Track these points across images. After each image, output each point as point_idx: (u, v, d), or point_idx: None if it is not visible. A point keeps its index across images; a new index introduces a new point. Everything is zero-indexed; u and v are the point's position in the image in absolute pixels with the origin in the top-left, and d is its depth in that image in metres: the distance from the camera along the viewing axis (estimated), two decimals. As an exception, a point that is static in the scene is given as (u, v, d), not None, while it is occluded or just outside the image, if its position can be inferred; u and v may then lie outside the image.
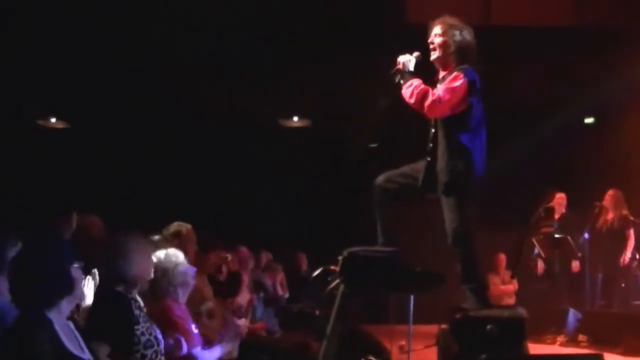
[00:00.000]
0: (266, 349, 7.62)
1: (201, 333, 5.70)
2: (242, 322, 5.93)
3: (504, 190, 12.31)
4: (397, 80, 5.79)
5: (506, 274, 12.87)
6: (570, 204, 12.10)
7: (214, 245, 7.89)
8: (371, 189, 5.98)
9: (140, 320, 4.66)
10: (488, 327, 5.30)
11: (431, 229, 6.66)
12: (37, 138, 14.63)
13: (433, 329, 6.24)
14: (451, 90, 5.54)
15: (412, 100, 5.63)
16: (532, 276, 12.61)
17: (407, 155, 6.06)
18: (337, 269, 5.61)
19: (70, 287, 3.84)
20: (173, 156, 14.19)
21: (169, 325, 5.25)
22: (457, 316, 5.58)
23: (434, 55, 5.83)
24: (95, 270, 5.07)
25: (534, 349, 7.19)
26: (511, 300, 12.64)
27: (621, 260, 11.27)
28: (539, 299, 11.98)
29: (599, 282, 11.79)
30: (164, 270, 5.39)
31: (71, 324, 3.95)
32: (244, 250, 10.06)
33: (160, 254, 5.37)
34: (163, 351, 4.81)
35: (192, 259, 6.48)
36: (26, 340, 3.60)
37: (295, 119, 15.40)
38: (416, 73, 5.77)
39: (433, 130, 5.81)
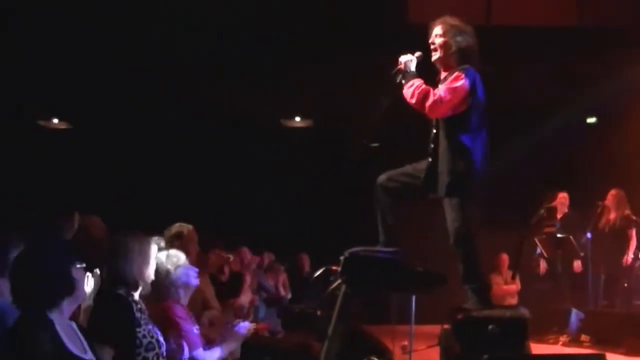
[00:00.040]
0: (268, 349, 7.62)
1: (202, 334, 5.70)
2: (247, 324, 5.89)
3: (506, 190, 12.29)
4: (398, 80, 5.79)
5: (509, 274, 12.86)
6: (572, 204, 12.10)
7: (213, 245, 7.88)
8: (373, 189, 5.98)
9: (142, 322, 4.66)
10: (490, 327, 5.30)
11: (433, 229, 6.67)
12: (39, 138, 14.63)
13: (435, 329, 6.23)
14: (452, 91, 5.53)
15: (413, 101, 5.62)
16: (534, 276, 12.61)
17: (409, 155, 6.06)
18: (339, 269, 5.59)
19: (71, 287, 3.85)
20: (174, 156, 14.20)
21: (170, 327, 5.25)
22: (459, 316, 5.58)
23: (435, 56, 5.82)
24: (97, 270, 5.06)
25: (537, 348, 7.18)
26: (514, 300, 12.64)
27: (624, 260, 11.27)
28: (542, 299, 11.98)
29: (602, 282, 11.79)
30: (165, 272, 5.38)
31: (74, 324, 3.96)
32: (245, 250, 10.07)
33: (161, 255, 5.36)
34: (165, 354, 4.80)
35: (194, 260, 6.48)
36: (27, 340, 3.61)
37: (298, 119, 15.39)
38: (417, 73, 5.77)
39: (434, 131, 5.81)
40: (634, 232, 11.34)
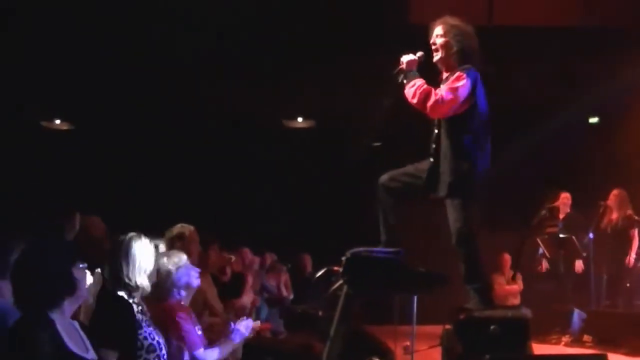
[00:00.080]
0: (270, 350, 7.62)
1: (205, 334, 5.70)
2: (250, 323, 5.87)
3: (508, 191, 12.29)
4: (400, 80, 5.78)
5: (511, 274, 12.84)
6: (574, 204, 12.09)
7: (212, 243, 7.88)
8: (374, 189, 5.97)
9: (143, 324, 4.67)
10: (492, 327, 5.29)
11: (435, 229, 6.66)
12: (41, 139, 14.64)
13: (437, 329, 6.21)
14: (454, 91, 5.52)
15: (414, 101, 5.61)
16: (537, 276, 12.61)
17: (411, 155, 6.05)
18: (340, 269, 5.59)
19: (72, 287, 3.86)
20: (175, 157, 14.19)
21: (172, 327, 5.25)
22: (461, 316, 5.57)
23: (436, 57, 5.81)
24: (99, 270, 5.06)
25: (539, 349, 7.17)
26: (516, 301, 12.63)
27: (627, 260, 11.26)
28: (544, 299, 11.98)
29: (604, 282, 11.78)
30: (167, 272, 5.38)
31: (76, 324, 3.98)
32: (246, 251, 10.07)
33: (163, 256, 5.36)
34: (166, 356, 4.80)
35: (196, 260, 6.48)
36: (27, 340, 3.61)
37: (300, 119, 15.39)
38: (419, 73, 5.76)
39: (436, 131, 5.80)
40: (636, 232, 11.33)
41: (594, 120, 14.46)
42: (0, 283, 4.65)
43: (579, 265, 11.71)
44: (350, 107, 12.64)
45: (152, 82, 12.21)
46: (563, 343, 10.67)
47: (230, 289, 8.36)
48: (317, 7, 10.81)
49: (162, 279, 5.28)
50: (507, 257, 12.85)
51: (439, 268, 5.80)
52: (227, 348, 5.63)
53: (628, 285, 11.43)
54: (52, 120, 15.32)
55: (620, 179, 11.97)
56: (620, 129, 12.94)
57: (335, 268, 5.84)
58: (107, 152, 13.97)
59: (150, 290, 4.87)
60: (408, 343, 6.95)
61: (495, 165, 5.95)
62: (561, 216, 12.04)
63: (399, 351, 7.60)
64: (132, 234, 4.77)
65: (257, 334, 7.71)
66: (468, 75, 5.55)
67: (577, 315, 10.97)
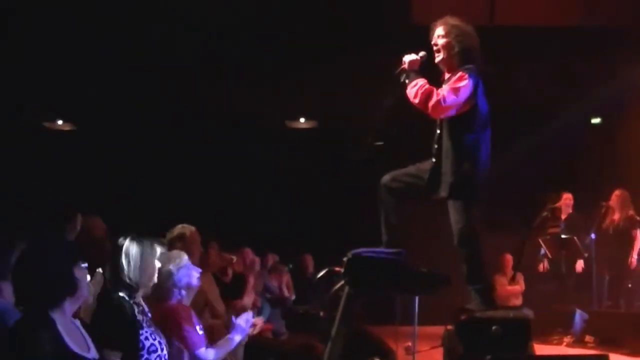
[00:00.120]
0: (272, 350, 7.63)
1: (207, 333, 5.69)
2: (250, 316, 5.84)
3: (510, 191, 12.29)
4: (402, 80, 5.77)
5: (512, 275, 12.84)
6: (576, 205, 12.09)
7: (212, 241, 7.88)
8: (376, 189, 5.97)
9: (144, 324, 4.67)
10: (493, 328, 5.28)
11: (437, 230, 6.65)
12: (43, 140, 14.65)
13: (439, 330, 6.21)
14: (456, 91, 5.50)
15: (416, 100, 5.60)
16: (538, 277, 12.61)
17: (413, 155, 6.05)
18: (342, 270, 5.58)
19: (73, 287, 3.87)
20: (177, 158, 14.19)
21: (173, 327, 5.24)
22: (463, 317, 5.56)
23: (438, 57, 5.80)
24: (100, 270, 5.06)
25: (541, 349, 7.16)
26: (518, 301, 12.62)
27: (629, 261, 11.25)
28: (546, 300, 11.97)
29: (606, 283, 11.78)
30: (168, 273, 5.37)
31: (78, 322, 4.00)
32: (248, 251, 10.06)
33: (164, 257, 5.35)
34: (167, 356, 4.80)
35: (197, 261, 6.48)
36: (27, 340, 3.62)
37: (302, 120, 15.39)
38: (421, 73, 5.75)
39: (438, 132, 5.79)
40: (638, 232, 11.34)
41: (596, 120, 14.45)
42: (1, 284, 4.65)
43: (579, 264, 11.72)
44: (352, 107, 12.64)
45: (152, 82, 12.21)
46: (565, 344, 10.67)
47: (231, 290, 8.36)
48: (317, 7, 10.80)
49: (163, 280, 5.27)
50: (509, 258, 12.83)
51: (440, 268, 5.79)
52: (229, 345, 5.59)
53: (630, 285, 11.43)
54: (54, 120, 15.33)
55: (622, 179, 11.96)
56: (621, 129, 12.93)
57: (337, 268, 5.83)
58: (107, 152, 13.98)
59: (150, 290, 4.87)
60: (410, 343, 6.96)
61: (497, 165, 5.95)
62: (563, 217, 12.05)
63: (400, 352, 7.61)
64: (132, 234, 4.77)
65: (259, 334, 7.73)
66: (470, 76, 5.54)
67: (579, 315, 10.96)
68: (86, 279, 4.05)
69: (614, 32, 11.02)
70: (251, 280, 8.88)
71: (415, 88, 5.61)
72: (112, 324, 4.52)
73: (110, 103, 13.22)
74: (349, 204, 13.41)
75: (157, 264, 4.85)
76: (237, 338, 5.64)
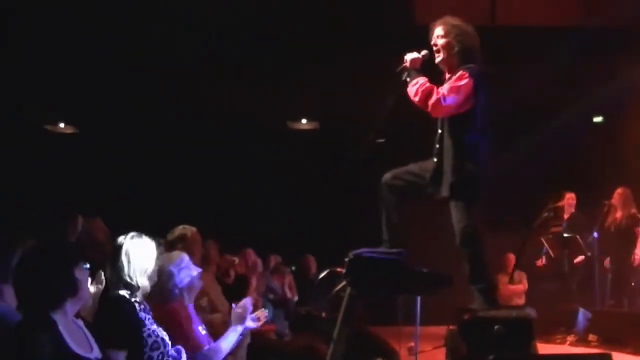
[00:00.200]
0: (274, 351, 7.61)
1: (210, 333, 5.68)
2: (249, 301, 5.79)
3: (512, 191, 12.29)
4: (404, 78, 5.77)
5: (516, 274, 12.83)
6: (579, 204, 12.09)
7: (211, 239, 7.88)
8: (378, 189, 5.96)
9: (146, 322, 4.68)
10: (496, 327, 5.27)
11: (439, 229, 6.64)
12: (44, 142, 14.65)
13: (442, 330, 6.21)
14: (456, 89, 5.50)
15: (416, 99, 5.60)
16: (541, 276, 12.60)
17: (414, 154, 6.05)
18: (343, 271, 5.58)
19: (74, 288, 3.88)
20: (178, 158, 14.19)
21: (175, 328, 5.24)
22: (465, 317, 5.55)
23: (438, 58, 5.79)
24: (102, 272, 5.07)
25: (544, 348, 7.16)
26: (521, 301, 12.62)
27: (632, 259, 11.24)
28: (549, 299, 11.96)
29: (609, 282, 11.76)
30: (169, 274, 5.37)
31: (81, 323, 4.02)
32: (250, 252, 10.06)
33: (165, 257, 5.35)
34: (169, 352, 4.81)
35: (198, 261, 6.48)
36: (27, 341, 3.64)
37: (304, 121, 15.40)
38: (422, 71, 5.75)
39: (440, 131, 5.78)
40: (640, 230, 11.34)
41: (598, 119, 14.44)
42: (2, 286, 4.65)
43: (579, 259, 11.72)
44: (354, 108, 12.64)
45: (152, 82, 12.21)
46: (568, 342, 10.67)
47: (233, 291, 8.35)
48: (319, 8, 10.81)
49: (164, 281, 5.27)
50: (512, 257, 12.82)
51: (442, 268, 5.79)
52: (231, 338, 5.55)
53: (633, 284, 11.41)
54: (56, 123, 15.34)
55: (624, 177, 11.96)
56: (623, 129, 12.93)
57: (339, 269, 5.82)
58: (107, 152, 13.99)
59: (150, 289, 4.87)
60: (412, 344, 6.95)
61: (500, 165, 5.96)
62: (566, 216, 12.05)
63: (403, 352, 7.61)
64: (132, 233, 4.78)
65: (262, 335, 7.73)
66: (470, 75, 5.53)
67: (582, 314, 10.95)
68: (87, 279, 4.06)
69: (615, 32, 11.02)
70: (253, 282, 8.88)
71: (415, 86, 5.61)
72: (114, 323, 4.53)
73: (110, 103, 13.23)
74: (350, 204, 13.41)
75: (157, 263, 4.86)
76: (238, 329, 5.60)
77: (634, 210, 11.37)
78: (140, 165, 13.96)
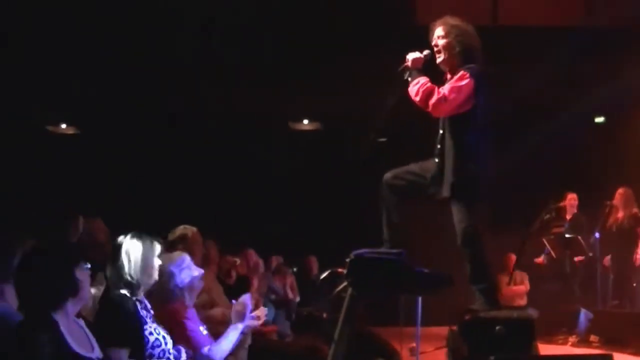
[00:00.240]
0: (276, 352, 7.60)
1: (211, 333, 5.68)
2: (248, 297, 5.77)
3: (514, 191, 12.28)
4: (405, 77, 5.77)
5: (518, 275, 12.83)
6: (580, 204, 12.07)
7: (210, 238, 7.88)
8: (379, 189, 5.96)
9: (147, 320, 4.70)
10: (497, 328, 5.27)
11: (440, 229, 6.64)
12: (45, 143, 14.66)
13: (443, 330, 6.21)
14: (457, 90, 5.50)
15: (417, 98, 5.60)
16: (543, 277, 12.60)
17: (415, 153, 6.04)
18: (344, 271, 5.57)
19: (75, 288, 3.90)
20: (180, 159, 14.19)
21: (176, 328, 5.24)
22: (467, 317, 5.55)
23: (439, 58, 5.79)
24: (102, 273, 5.08)
25: (546, 349, 7.16)
26: (522, 301, 12.61)
27: (634, 259, 11.23)
28: (551, 300, 11.95)
29: (611, 282, 11.76)
30: (170, 274, 5.38)
31: (82, 322, 4.04)
32: (251, 253, 10.05)
33: (166, 258, 5.35)
34: (171, 350, 4.82)
35: (199, 261, 6.48)
36: (27, 341, 3.66)
37: (306, 121, 15.40)
38: (424, 71, 5.74)
39: (441, 131, 5.78)
40: (642, 230, 11.33)
41: (600, 119, 14.43)
42: (3, 286, 4.66)
43: (579, 258, 11.72)
44: (356, 108, 12.63)
45: (152, 82, 12.21)
46: (570, 343, 10.65)
47: (235, 292, 8.34)
48: (318, 7, 10.80)
49: (165, 281, 5.28)
50: (513, 258, 12.81)
51: (443, 269, 5.78)
52: (232, 337, 5.53)
53: (634, 285, 11.41)
54: (57, 124, 15.35)
55: (625, 178, 11.95)
56: (624, 129, 12.92)
57: (340, 270, 5.82)
58: (107, 153, 13.98)
59: (152, 289, 4.88)
60: (414, 344, 6.95)
61: (501, 165, 5.95)
62: (568, 217, 12.04)
63: (405, 353, 7.62)
64: (132, 232, 4.79)
65: (263, 336, 7.73)
66: (471, 75, 5.53)
67: (584, 315, 10.94)
68: (88, 280, 4.07)
69: (616, 33, 11.01)
70: (255, 283, 8.88)
71: (417, 86, 5.61)
72: (116, 321, 4.55)
73: (110, 104, 13.24)
74: (351, 205, 13.40)
75: (158, 261, 4.87)
76: (239, 327, 5.59)
77: (635, 210, 11.37)
78: (140, 165, 13.95)
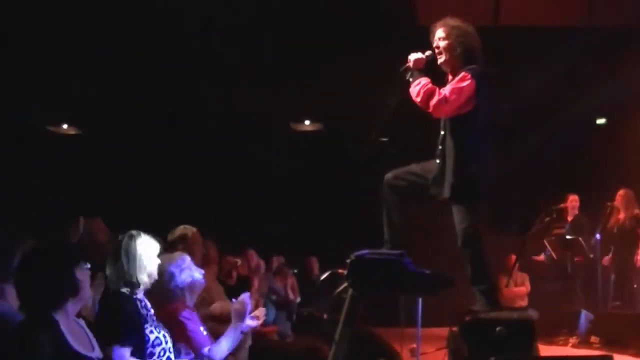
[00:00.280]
0: (277, 352, 7.60)
1: (212, 334, 5.67)
2: (247, 296, 5.75)
3: (514, 192, 12.27)
4: (407, 78, 5.76)
5: (518, 276, 12.82)
6: (582, 205, 12.07)
7: (209, 238, 7.88)
8: (380, 188, 5.95)
9: (148, 319, 4.70)
10: (497, 329, 5.26)
11: (439, 230, 6.63)
12: (47, 143, 14.67)
13: (444, 331, 6.20)
14: (458, 91, 5.49)
15: (418, 99, 5.59)
16: (544, 278, 12.59)
17: (416, 153, 6.04)
18: (345, 272, 5.57)
19: (75, 288, 3.92)
20: (180, 159, 14.20)
21: (176, 328, 5.24)
22: (467, 318, 5.54)
23: (440, 59, 5.78)
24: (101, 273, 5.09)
25: (546, 350, 7.16)
26: (523, 302, 12.61)
27: (634, 260, 11.22)
28: (551, 301, 11.95)
29: (612, 283, 11.75)
30: (170, 275, 5.38)
31: (82, 322, 4.05)
32: (252, 253, 10.04)
33: (166, 258, 5.35)
34: (172, 348, 4.83)
35: (199, 262, 6.48)
36: (27, 341, 3.68)
37: (307, 122, 15.40)
38: (425, 72, 5.73)
39: (442, 133, 5.77)
40: (644, 231, 11.33)
41: (601, 121, 14.43)
42: (3, 286, 4.67)
43: (579, 258, 11.72)
44: (356, 108, 12.63)
45: (152, 82, 12.21)
46: (570, 344, 10.64)
47: (236, 293, 8.32)
48: (318, 7, 10.79)
49: (165, 281, 5.28)
50: (514, 259, 12.82)
51: (444, 269, 5.77)
52: (232, 337, 5.52)
53: (635, 286, 11.40)
54: (59, 125, 15.36)
55: (626, 179, 11.94)
56: (626, 130, 12.92)
57: (340, 270, 5.81)
58: (107, 153, 13.99)
59: (152, 288, 4.89)
60: (414, 345, 6.94)
61: (502, 166, 5.94)
62: (569, 218, 12.03)
63: (405, 353, 7.61)
64: (132, 231, 4.80)
65: (263, 336, 7.73)
66: (472, 76, 5.52)
67: (585, 316, 10.93)
68: (88, 280, 4.07)
69: (618, 33, 10.99)
70: (255, 284, 8.87)
71: (418, 87, 5.60)
72: (117, 320, 4.58)
73: (110, 104, 13.24)
74: (352, 205, 13.40)
75: (157, 260, 4.87)
76: (238, 326, 5.58)
77: (636, 212, 11.37)
78: (140, 165, 13.96)
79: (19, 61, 11.27)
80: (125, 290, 4.71)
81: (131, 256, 4.72)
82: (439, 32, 5.77)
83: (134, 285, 4.72)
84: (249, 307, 5.62)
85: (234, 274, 8.98)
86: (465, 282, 5.64)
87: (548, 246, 12.07)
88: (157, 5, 10.51)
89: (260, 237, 11.50)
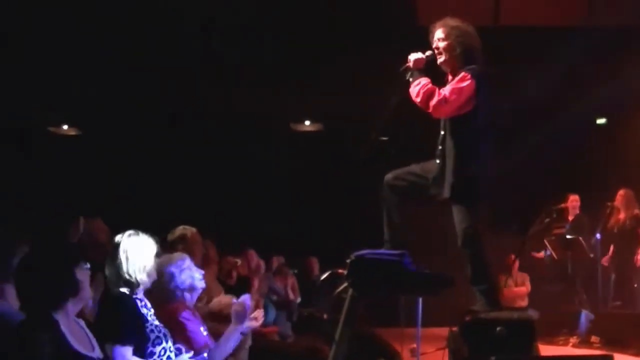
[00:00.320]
0: (277, 352, 7.60)
1: (212, 334, 5.67)
2: (247, 297, 5.73)
3: (515, 192, 12.27)
4: (407, 78, 5.76)
5: (519, 276, 12.82)
6: (582, 205, 12.07)
7: (208, 238, 7.88)
8: (380, 188, 5.95)
9: (148, 318, 4.70)
10: (498, 329, 5.26)
11: (441, 230, 6.62)
12: (47, 144, 14.68)
13: (444, 331, 6.20)
14: (458, 91, 5.49)
15: (418, 99, 5.59)
16: (544, 278, 12.59)
17: (417, 154, 6.04)
18: (345, 272, 5.56)
19: (75, 288, 3.92)
20: (180, 159, 14.19)
21: (176, 328, 5.24)
22: (467, 318, 5.54)
23: (440, 59, 5.78)
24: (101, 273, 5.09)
25: (547, 350, 7.15)
26: (524, 302, 12.60)
27: (634, 260, 11.22)
28: (552, 301, 11.94)
29: (612, 283, 11.75)
30: (170, 275, 5.37)
31: (82, 322, 4.06)
32: (252, 253, 10.04)
33: (166, 259, 5.35)
34: (172, 347, 4.83)
35: (199, 262, 6.48)
36: (27, 341, 3.69)
37: (307, 122, 15.39)
38: (425, 72, 5.73)
39: (442, 132, 5.77)
40: (644, 231, 11.32)
41: (601, 121, 14.42)
42: (3, 286, 4.67)
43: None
44: (356, 108, 12.62)
45: (152, 82, 12.21)
46: (571, 344, 10.65)
47: (236, 293, 8.31)
48: (318, 7, 10.79)
49: (165, 282, 5.28)
50: (514, 259, 12.82)
51: (444, 269, 5.77)
52: (232, 337, 5.51)
53: (635, 285, 11.40)
54: (59, 125, 15.36)
55: (627, 179, 11.94)
56: (626, 130, 12.92)
57: (340, 270, 5.81)
58: (106, 153, 13.98)
59: (152, 289, 4.89)
60: (415, 345, 6.93)
61: (502, 166, 5.93)
62: (570, 218, 12.03)
63: (405, 354, 7.60)
64: (130, 231, 4.80)
65: (264, 336, 7.72)
66: (472, 76, 5.52)
67: (585, 316, 10.93)
68: (88, 279, 4.07)
69: (618, 33, 10.99)
70: (255, 284, 8.86)
71: (417, 87, 5.60)
72: (117, 319, 4.58)
73: (111, 104, 13.24)
74: (352, 206, 13.39)
75: (156, 260, 4.87)
76: (238, 326, 5.57)
77: (636, 212, 11.37)
78: (140, 165, 13.95)
79: (19, 61, 11.27)
80: (125, 290, 4.71)
81: (129, 256, 4.72)
82: (439, 33, 5.77)
83: (134, 284, 4.73)
84: (249, 307, 5.62)
85: (234, 274, 8.97)
86: (465, 282, 5.64)
87: (548, 246, 12.07)
88: (157, 5, 10.51)
89: (260, 237, 11.49)
